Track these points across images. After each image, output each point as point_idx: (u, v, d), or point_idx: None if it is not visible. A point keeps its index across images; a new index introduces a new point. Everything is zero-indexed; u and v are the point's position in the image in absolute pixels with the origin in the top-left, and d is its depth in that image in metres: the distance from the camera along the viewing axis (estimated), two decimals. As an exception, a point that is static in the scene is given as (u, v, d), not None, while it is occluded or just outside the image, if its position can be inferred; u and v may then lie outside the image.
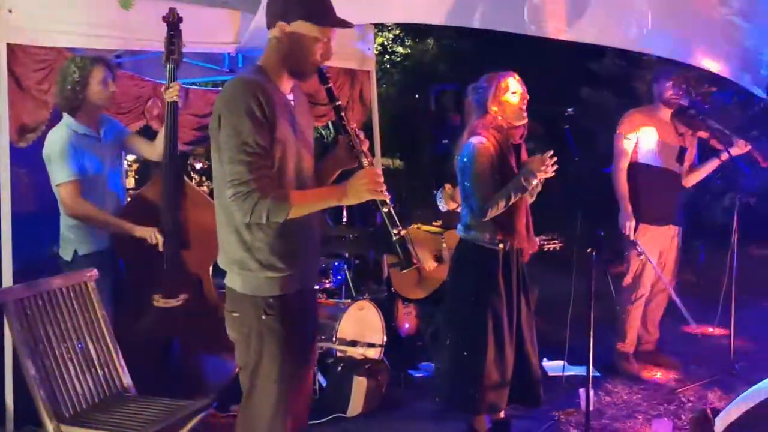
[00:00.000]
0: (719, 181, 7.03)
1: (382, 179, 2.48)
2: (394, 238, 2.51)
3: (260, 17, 4.77)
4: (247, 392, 2.60)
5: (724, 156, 4.65)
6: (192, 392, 3.88)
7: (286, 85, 2.60)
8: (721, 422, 3.49)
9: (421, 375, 4.88)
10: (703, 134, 4.81)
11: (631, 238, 4.65)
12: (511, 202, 3.46)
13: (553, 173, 3.46)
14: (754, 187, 6.30)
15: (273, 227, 2.50)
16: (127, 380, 3.34)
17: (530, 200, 3.68)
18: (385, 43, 11.92)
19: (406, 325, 5.34)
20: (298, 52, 2.52)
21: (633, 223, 4.67)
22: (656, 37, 5.39)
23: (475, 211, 3.55)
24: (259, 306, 2.53)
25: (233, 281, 2.59)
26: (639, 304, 4.81)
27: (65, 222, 3.82)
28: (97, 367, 3.26)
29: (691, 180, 4.90)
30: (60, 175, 3.68)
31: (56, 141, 3.71)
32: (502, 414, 3.77)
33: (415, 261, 2.56)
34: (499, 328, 3.55)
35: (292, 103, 2.62)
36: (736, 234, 4.77)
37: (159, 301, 3.85)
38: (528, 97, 3.56)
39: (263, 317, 2.52)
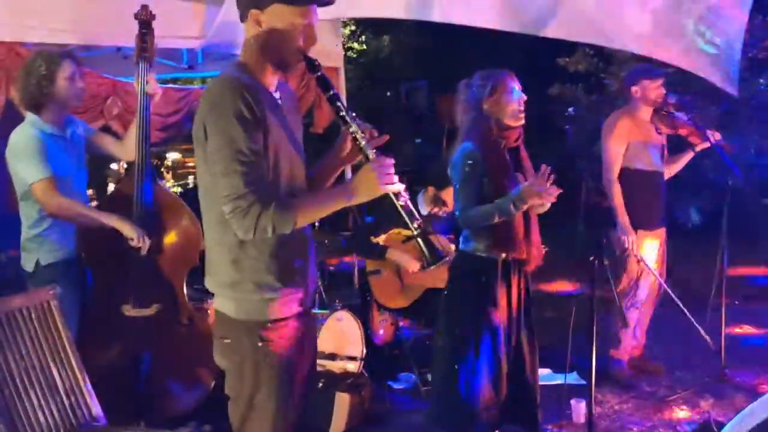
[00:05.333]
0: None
1: (392, 169, 2.19)
2: (415, 233, 2.22)
3: (227, 9, 4.51)
4: (238, 425, 2.34)
5: (698, 148, 4.66)
6: (163, 412, 3.64)
7: (271, 81, 2.32)
8: (728, 436, 3.37)
9: (401, 387, 4.67)
10: (685, 131, 4.70)
11: (634, 252, 4.41)
12: (494, 222, 3.23)
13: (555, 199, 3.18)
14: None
15: (268, 243, 2.23)
16: (96, 409, 3.02)
17: (540, 211, 3.42)
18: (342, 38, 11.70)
19: (381, 332, 5.11)
20: (279, 41, 2.22)
21: (634, 237, 4.43)
22: (626, 32, 5.28)
23: (457, 216, 3.35)
24: (254, 332, 2.25)
25: (224, 305, 2.30)
26: (635, 309, 4.63)
27: (26, 232, 3.52)
28: (63, 395, 2.93)
29: (667, 174, 4.74)
30: (33, 173, 3.36)
31: (23, 140, 3.39)
32: (494, 430, 3.58)
33: (443, 254, 2.24)
34: (496, 343, 3.33)
35: (279, 102, 2.35)
36: (725, 234, 4.64)
37: (130, 311, 3.58)
38: (526, 98, 3.34)
39: (259, 344, 2.25)
